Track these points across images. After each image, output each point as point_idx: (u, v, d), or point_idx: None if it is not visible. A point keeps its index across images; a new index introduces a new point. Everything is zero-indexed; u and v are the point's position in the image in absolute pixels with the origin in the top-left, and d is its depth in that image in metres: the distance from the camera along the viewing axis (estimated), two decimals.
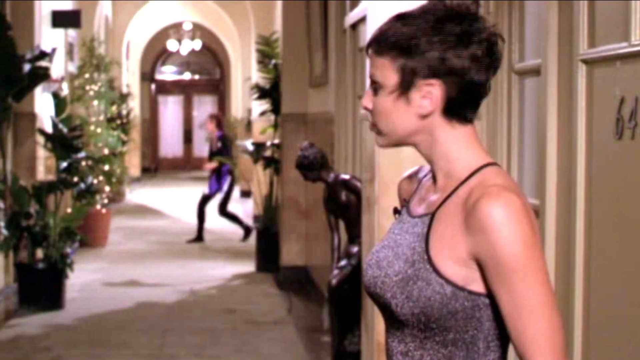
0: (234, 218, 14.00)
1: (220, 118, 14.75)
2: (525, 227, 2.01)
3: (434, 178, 2.22)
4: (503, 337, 2.10)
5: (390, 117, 2.17)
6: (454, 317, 2.09)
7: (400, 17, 2.16)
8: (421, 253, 2.12)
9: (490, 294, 2.07)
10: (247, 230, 13.91)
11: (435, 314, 2.09)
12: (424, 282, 2.10)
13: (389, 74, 2.15)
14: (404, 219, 2.25)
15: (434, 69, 2.10)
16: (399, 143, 2.21)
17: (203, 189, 14.20)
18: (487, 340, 2.10)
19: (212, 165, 13.86)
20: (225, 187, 13.84)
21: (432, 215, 2.15)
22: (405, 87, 2.13)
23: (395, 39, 2.14)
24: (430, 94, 2.11)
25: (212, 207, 14.04)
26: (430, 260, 2.10)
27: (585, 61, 3.36)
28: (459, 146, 2.16)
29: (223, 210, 13.93)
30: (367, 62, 2.21)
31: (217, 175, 13.88)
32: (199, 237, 13.96)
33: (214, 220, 14.40)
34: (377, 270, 2.18)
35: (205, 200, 13.95)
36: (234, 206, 14.84)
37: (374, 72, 2.18)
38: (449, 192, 2.14)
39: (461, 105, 2.13)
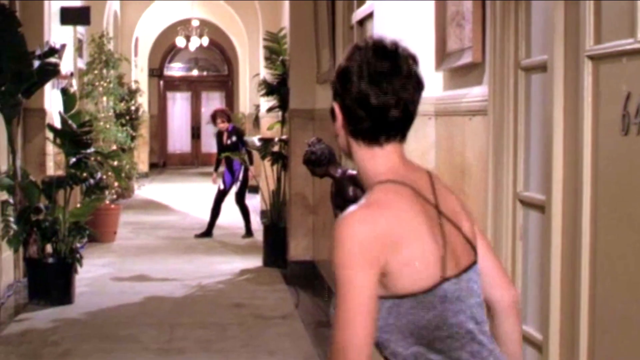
0: (246, 214, 13.99)
1: (228, 112, 14.74)
2: (347, 249, 2.22)
3: None
4: (420, 331, 2.30)
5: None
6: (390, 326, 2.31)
7: None
8: None
9: (392, 296, 2.29)
10: (249, 232, 13.95)
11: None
12: None
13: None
14: None
15: (335, 94, 2.43)
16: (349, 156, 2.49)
17: (218, 184, 14.17)
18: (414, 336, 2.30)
19: (252, 172, 13.85)
20: (240, 176, 13.83)
21: None
22: (331, 109, 2.46)
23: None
24: (338, 115, 2.43)
25: (227, 203, 14.06)
26: None
27: (591, 57, 3.37)
28: (367, 164, 2.43)
29: (240, 199, 13.92)
30: None
31: (230, 169, 13.88)
32: (208, 232, 13.96)
33: (224, 216, 14.40)
34: None
35: (221, 195, 13.93)
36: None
37: None
38: None
39: (362, 129, 2.40)
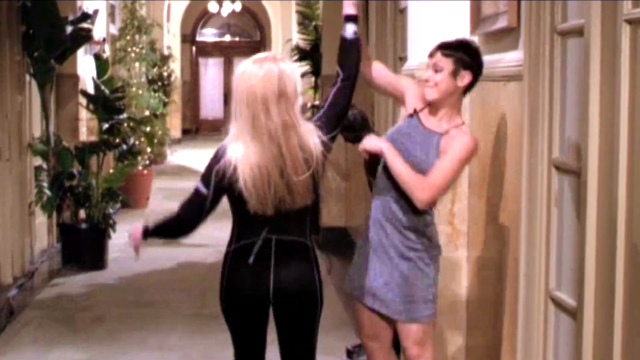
0: None
1: None
2: (463, 152, 4.57)
3: None
4: None
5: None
6: None
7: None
8: None
9: None
10: None
11: None
12: None
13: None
14: None
15: (470, 66, 4.59)
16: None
17: None
18: None
19: None
20: None
21: None
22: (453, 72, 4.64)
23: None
24: (465, 77, 4.58)
25: None
26: None
27: (629, 21, 3.32)
28: (457, 105, 4.72)
29: None
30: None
31: None
32: None
33: None
34: None
35: None
36: None
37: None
38: None
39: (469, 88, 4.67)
